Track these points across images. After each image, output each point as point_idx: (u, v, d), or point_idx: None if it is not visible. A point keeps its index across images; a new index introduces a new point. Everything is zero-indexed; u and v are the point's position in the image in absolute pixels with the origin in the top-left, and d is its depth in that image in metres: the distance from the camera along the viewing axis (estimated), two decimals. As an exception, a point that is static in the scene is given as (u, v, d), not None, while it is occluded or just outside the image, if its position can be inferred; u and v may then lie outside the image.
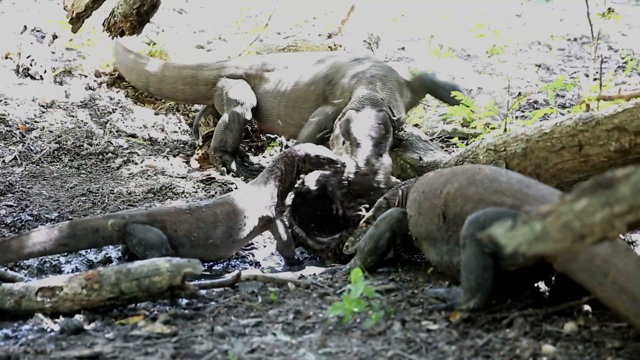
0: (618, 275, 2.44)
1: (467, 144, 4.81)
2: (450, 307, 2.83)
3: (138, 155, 5.47)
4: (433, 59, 7.16)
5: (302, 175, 4.21)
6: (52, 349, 2.62)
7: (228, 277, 3.42)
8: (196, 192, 4.90)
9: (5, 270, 3.64)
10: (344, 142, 4.37)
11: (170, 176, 5.15)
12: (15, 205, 4.55)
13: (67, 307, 3.01)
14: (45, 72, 6.07)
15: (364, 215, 4.05)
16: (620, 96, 4.09)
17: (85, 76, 6.27)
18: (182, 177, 5.15)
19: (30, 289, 3.06)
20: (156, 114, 6.04)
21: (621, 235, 3.09)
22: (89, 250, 4.06)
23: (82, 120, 5.73)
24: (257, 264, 4.18)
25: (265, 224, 4.09)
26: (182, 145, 5.79)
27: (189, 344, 2.60)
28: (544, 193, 2.85)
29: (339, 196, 4.24)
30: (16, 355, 2.56)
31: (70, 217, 4.42)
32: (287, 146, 5.65)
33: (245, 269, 4.07)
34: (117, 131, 5.73)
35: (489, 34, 6.69)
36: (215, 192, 4.90)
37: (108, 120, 5.81)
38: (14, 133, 5.43)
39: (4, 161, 5.14)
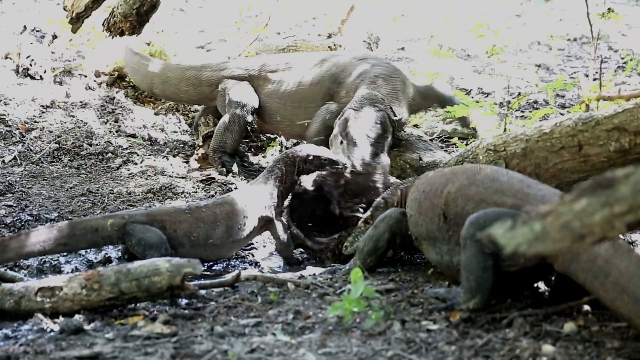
0: (620, 276, 2.44)
1: (466, 144, 4.81)
2: (450, 307, 2.83)
3: (138, 155, 5.47)
4: (433, 59, 7.16)
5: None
6: (51, 349, 2.62)
7: (228, 277, 3.42)
8: (196, 192, 4.90)
9: (5, 270, 3.64)
10: (341, 142, 4.37)
11: (170, 176, 5.15)
12: (14, 205, 4.54)
13: (66, 307, 3.00)
14: (45, 72, 6.07)
15: (361, 216, 4.05)
16: (620, 96, 4.09)
17: (85, 76, 6.27)
18: (182, 177, 5.15)
19: (29, 289, 3.06)
20: (156, 114, 6.04)
21: (621, 236, 3.09)
22: (88, 250, 4.06)
23: (81, 120, 5.73)
24: (257, 264, 4.18)
25: (265, 224, 4.09)
26: (182, 145, 5.79)
27: (189, 344, 2.60)
28: (544, 193, 2.85)
29: (335, 196, 4.24)
30: (16, 355, 2.56)
31: (70, 217, 4.42)
32: (287, 146, 5.65)
33: (245, 269, 4.07)
34: (116, 131, 5.72)
35: (489, 34, 6.67)
36: (215, 192, 4.90)
37: (108, 120, 5.81)
38: (14, 133, 5.43)
39: (3, 161, 5.14)
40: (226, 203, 4.00)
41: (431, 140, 5.32)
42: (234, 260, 4.18)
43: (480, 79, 6.82)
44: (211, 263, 4.08)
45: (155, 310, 3.09)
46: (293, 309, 2.97)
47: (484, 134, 4.97)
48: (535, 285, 3.01)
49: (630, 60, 7.08)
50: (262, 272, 3.99)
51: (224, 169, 5.29)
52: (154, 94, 5.95)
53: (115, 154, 5.42)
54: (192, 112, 6.16)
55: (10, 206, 4.53)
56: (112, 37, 5.41)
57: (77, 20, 5.28)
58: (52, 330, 2.88)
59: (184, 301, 3.16)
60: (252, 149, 5.86)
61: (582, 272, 2.56)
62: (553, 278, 2.92)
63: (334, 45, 6.32)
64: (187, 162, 5.52)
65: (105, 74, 6.33)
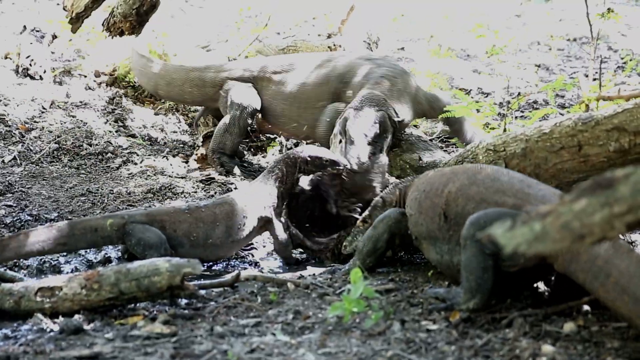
0: (620, 276, 2.43)
1: (466, 144, 4.81)
2: (449, 307, 2.83)
3: (137, 155, 5.47)
4: (433, 59, 7.16)
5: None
6: (51, 349, 2.62)
7: (227, 277, 3.42)
8: (196, 192, 4.90)
9: (5, 270, 3.64)
10: (340, 141, 4.37)
11: (169, 176, 5.15)
12: (14, 205, 4.54)
13: (66, 307, 3.00)
14: (44, 72, 6.07)
15: (358, 216, 4.05)
16: (619, 96, 4.09)
17: (85, 76, 6.27)
18: (182, 177, 5.15)
19: (29, 289, 3.06)
20: (156, 114, 6.04)
21: (621, 236, 3.09)
22: (88, 250, 4.06)
23: (81, 120, 5.73)
24: (257, 264, 4.18)
25: (265, 224, 4.08)
26: (182, 145, 5.79)
27: (189, 344, 2.60)
28: (545, 193, 2.85)
29: (332, 195, 4.24)
30: (16, 356, 2.56)
31: (69, 217, 4.42)
32: (287, 147, 5.65)
33: (245, 269, 4.07)
34: (116, 131, 5.72)
35: (489, 34, 6.68)
36: (215, 192, 4.90)
37: (107, 121, 5.81)
38: (14, 133, 5.43)
39: (3, 161, 5.14)
40: (226, 203, 3.99)
41: (431, 140, 5.32)
42: (234, 261, 4.18)
43: (480, 79, 6.83)
44: (211, 263, 4.07)
45: (155, 310, 3.09)
46: (293, 309, 2.97)
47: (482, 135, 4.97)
48: (535, 285, 3.00)
49: (630, 60, 7.08)
50: (262, 272, 3.99)
51: (223, 169, 5.28)
52: (160, 95, 5.93)
53: (115, 154, 5.42)
54: (191, 112, 6.16)
55: (10, 206, 4.52)
56: (112, 37, 5.42)
57: (76, 20, 5.28)
58: (51, 330, 2.88)
59: (183, 301, 3.16)
60: (252, 149, 5.86)
61: (582, 272, 2.56)
62: (553, 278, 2.92)
63: (334, 45, 6.31)
64: (186, 162, 5.52)
65: (105, 74, 6.33)
